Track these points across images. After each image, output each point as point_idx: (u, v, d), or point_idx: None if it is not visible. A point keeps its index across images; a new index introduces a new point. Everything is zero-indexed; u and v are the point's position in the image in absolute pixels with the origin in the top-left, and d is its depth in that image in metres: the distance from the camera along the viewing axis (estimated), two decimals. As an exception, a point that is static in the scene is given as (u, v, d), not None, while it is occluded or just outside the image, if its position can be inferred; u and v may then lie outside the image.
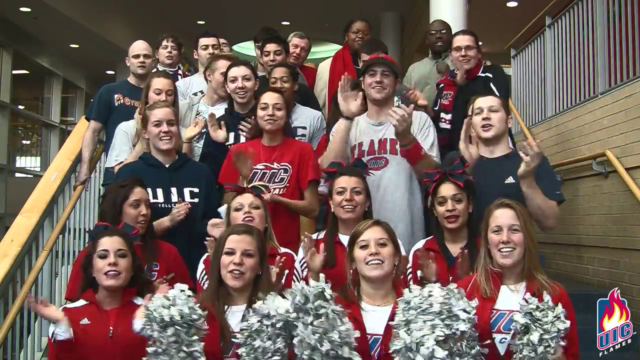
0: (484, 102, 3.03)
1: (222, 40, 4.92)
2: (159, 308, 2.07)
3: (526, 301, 2.11)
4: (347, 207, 2.80)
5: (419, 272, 2.71)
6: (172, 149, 3.15)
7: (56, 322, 2.23)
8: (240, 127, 3.48)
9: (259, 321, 2.09)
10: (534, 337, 2.06)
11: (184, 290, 2.13)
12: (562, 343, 2.07)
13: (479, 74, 4.01)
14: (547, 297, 2.12)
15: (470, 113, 3.29)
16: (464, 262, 2.56)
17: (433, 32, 4.75)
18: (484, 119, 2.98)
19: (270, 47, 4.34)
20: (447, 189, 2.72)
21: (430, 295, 2.06)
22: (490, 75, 3.99)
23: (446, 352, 1.99)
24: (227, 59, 3.88)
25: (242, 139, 3.48)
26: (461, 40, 3.98)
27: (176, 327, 2.06)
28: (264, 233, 2.77)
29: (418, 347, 1.99)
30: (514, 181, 2.86)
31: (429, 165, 3.07)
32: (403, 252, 2.70)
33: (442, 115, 4.01)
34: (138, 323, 2.19)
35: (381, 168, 3.16)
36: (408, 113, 2.94)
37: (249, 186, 2.87)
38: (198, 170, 3.22)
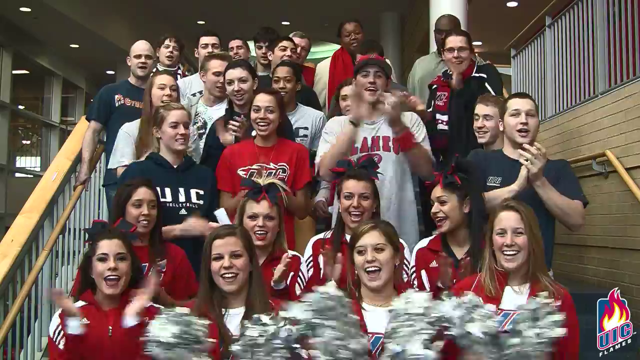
0: (522, 104, 2.94)
1: (237, 43, 4.92)
2: (161, 330, 2.06)
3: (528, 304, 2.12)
4: (355, 213, 2.77)
5: (423, 272, 2.72)
6: (182, 151, 3.16)
7: (71, 315, 2.24)
8: (230, 125, 3.42)
9: (260, 335, 2.06)
10: (525, 336, 2.06)
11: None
12: (550, 349, 2.07)
13: (473, 74, 3.98)
14: (550, 301, 2.12)
15: (481, 113, 3.30)
16: (466, 272, 2.53)
17: (440, 29, 4.69)
18: (522, 123, 2.90)
19: (288, 43, 4.42)
20: (435, 191, 2.73)
21: (408, 302, 2.07)
22: (485, 76, 3.97)
23: (434, 353, 1.99)
24: (220, 59, 3.87)
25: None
26: (454, 41, 3.92)
27: (180, 346, 2.04)
28: (275, 237, 2.76)
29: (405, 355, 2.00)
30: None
31: (422, 155, 3.13)
32: (406, 251, 2.70)
33: (438, 116, 3.99)
34: (130, 320, 2.22)
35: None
36: (400, 97, 3.00)
37: (266, 183, 2.80)
38: (204, 173, 3.23)
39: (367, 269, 2.28)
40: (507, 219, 2.33)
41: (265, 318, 2.07)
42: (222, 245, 2.31)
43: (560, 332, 2.07)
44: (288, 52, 4.35)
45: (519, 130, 2.91)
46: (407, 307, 2.06)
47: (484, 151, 3.27)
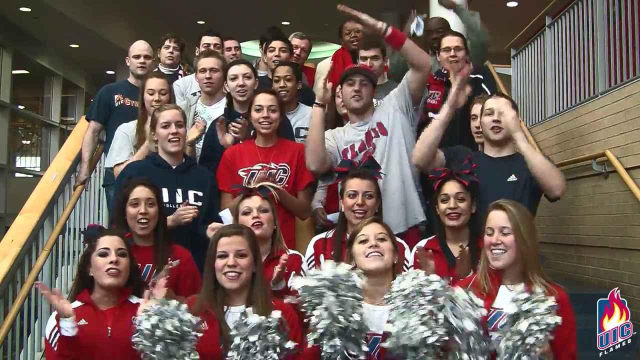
0: (495, 103, 3.03)
1: (233, 44, 4.91)
2: (148, 323, 2.09)
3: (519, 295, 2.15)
4: (358, 211, 2.78)
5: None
6: (179, 151, 3.15)
7: (66, 316, 2.22)
8: (232, 127, 3.44)
9: (243, 338, 2.11)
10: (523, 325, 2.07)
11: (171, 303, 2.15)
12: (550, 337, 2.08)
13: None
14: (539, 290, 2.15)
15: (479, 113, 3.32)
16: (463, 261, 2.55)
17: (430, 30, 4.75)
18: (494, 120, 2.98)
19: (276, 43, 4.37)
20: (450, 187, 2.72)
21: (401, 281, 2.13)
22: (481, 77, 3.99)
23: (430, 332, 2.02)
24: (205, 56, 3.87)
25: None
26: (450, 41, 3.95)
27: (166, 341, 2.08)
28: (272, 235, 2.77)
29: (405, 333, 2.04)
30: (515, 179, 2.92)
31: (414, 46, 3.15)
32: (407, 251, 2.70)
33: (431, 115, 3.98)
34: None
35: (371, 153, 3.19)
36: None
37: (257, 186, 2.82)
38: (203, 175, 3.22)
39: (370, 254, 2.30)
40: (495, 218, 2.34)
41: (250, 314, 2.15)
42: (228, 243, 2.32)
43: (556, 319, 2.08)
44: (276, 52, 4.33)
45: (492, 128, 2.99)
46: (401, 286, 2.11)
47: (464, 149, 3.30)
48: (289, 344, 2.13)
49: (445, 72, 3.96)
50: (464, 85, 3.04)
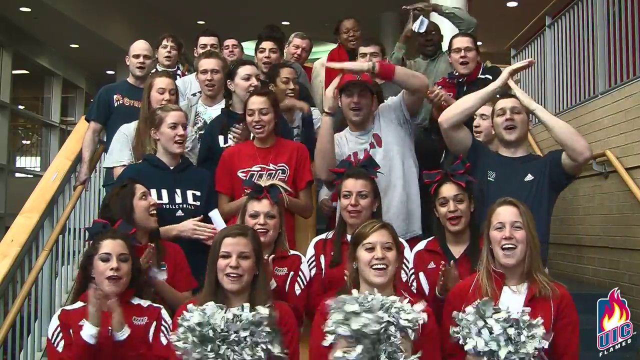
0: (506, 103, 3.02)
1: (233, 42, 4.90)
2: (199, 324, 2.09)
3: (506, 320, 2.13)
4: (352, 211, 2.77)
5: (421, 274, 2.72)
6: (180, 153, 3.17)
7: (94, 322, 2.24)
8: (231, 134, 3.45)
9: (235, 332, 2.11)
10: (502, 353, 2.07)
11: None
12: None
13: (479, 75, 4.00)
14: (526, 317, 2.13)
15: (481, 113, 3.33)
16: (449, 277, 2.52)
17: (424, 32, 4.76)
18: (507, 119, 2.98)
19: (267, 44, 4.36)
20: (448, 190, 2.71)
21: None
22: (490, 77, 3.97)
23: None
24: (206, 57, 3.86)
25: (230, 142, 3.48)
26: (460, 42, 3.97)
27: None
28: (277, 238, 2.76)
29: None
30: (532, 178, 2.93)
31: (405, 73, 3.22)
32: (407, 250, 2.70)
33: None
34: (120, 334, 2.27)
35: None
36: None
37: (268, 184, 2.79)
38: (201, 175, 3.23)
39: (375, 266, 2.27)
40: (506, 213, 2.33)
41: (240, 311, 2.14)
42: (232, 244, 2.31)
43: (540, 345, 2.08)
44: (266, 54, 4.33)
45: (505, 128, 2.99)
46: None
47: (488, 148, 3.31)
48: (277, 349, 2.12)
49: (456, 74, 3.97)
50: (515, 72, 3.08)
